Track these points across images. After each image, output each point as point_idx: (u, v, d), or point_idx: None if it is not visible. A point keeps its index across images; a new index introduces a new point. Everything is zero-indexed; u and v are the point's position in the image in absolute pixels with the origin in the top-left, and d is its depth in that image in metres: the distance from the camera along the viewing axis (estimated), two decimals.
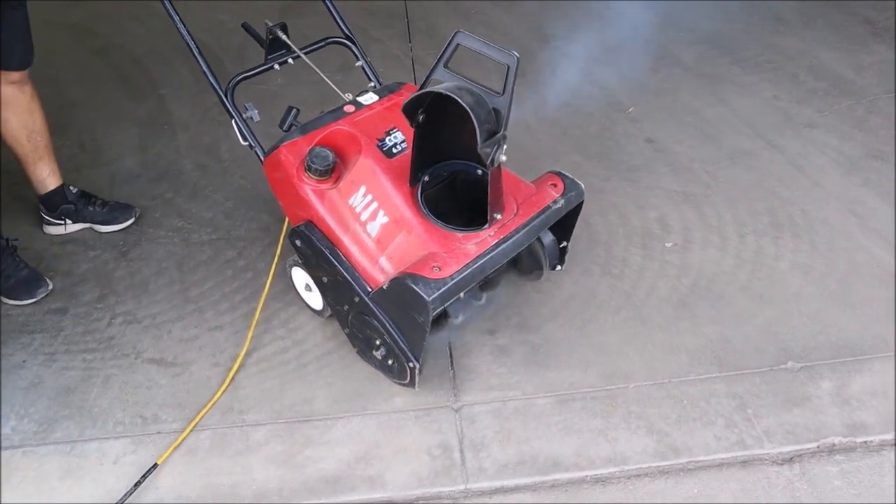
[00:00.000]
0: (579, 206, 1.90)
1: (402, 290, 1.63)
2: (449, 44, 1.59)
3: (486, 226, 1.74)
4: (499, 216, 1.76)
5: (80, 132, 2.84)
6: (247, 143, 1.97)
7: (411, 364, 1.75)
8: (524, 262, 2.08)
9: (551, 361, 1.98)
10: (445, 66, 1.60)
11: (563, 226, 1.96)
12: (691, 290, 2.16)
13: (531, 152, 2.67)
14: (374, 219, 1.75)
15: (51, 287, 2.19)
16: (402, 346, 1.74)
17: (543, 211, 1.81)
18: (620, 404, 1.88)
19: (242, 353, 1.99)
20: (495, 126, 1.56)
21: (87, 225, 2.40)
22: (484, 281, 2.01)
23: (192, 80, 3.07)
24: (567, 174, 1.89)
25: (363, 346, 1.89)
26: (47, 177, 2.32)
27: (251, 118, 1.95)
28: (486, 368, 1.98)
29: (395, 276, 1.65)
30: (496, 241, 1.74)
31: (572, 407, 1.88)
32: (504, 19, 3.45)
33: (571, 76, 3.07)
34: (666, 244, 2.31)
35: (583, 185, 1.89)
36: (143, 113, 2.96)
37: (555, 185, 1.86)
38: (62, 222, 2.37)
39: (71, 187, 2.37)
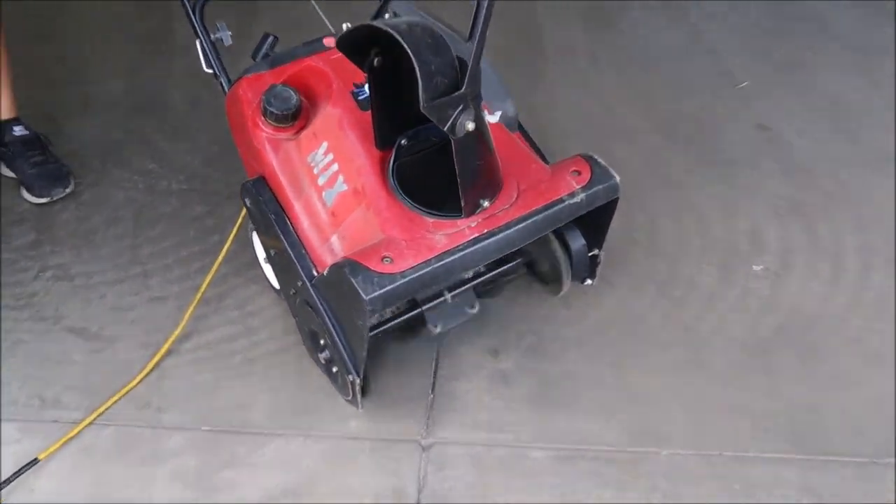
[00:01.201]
0: (612, 205, 1.67)
1: (340, 281, 1.47)
2: None
3: (463, 214, 1.53)
4: (486, 203, 1.54)
5: (67, 43, 2.78)
6: (210, 71, 1.82)
7: (351, 378, 1.58)
8: (542, 270, 1.87)
9: (565, 402, 1.75)
10: None
11: (594, 229, 1.74)
12: (777, 334, 1.87)
13: (599, 126, 2.43)
14: (332, 185, 1.58)
15: None
16: (344, 353, 1.57)
17: (553, 205, 1.58)
18: (644, 475, 1.62)
19: (176, 333, 1.85)
20: (455, 80, 1.33)
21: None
22: (484, 283, 1.81)
23: None
24: (600, 161, 1.65)
25: (310, 344, 1.74)
26: None
27: (221, 40, 1.80)
28: (476, 398, 1.76)
29: (337, 261, 1.48)
30: (475, 235, 1.53)
31: (578, 468, 1.64)
32: None
33: (674, 33, 2.77)
34: (754, 267, 2.01)
35: (618, 178, 1.64)
36: (144, 30, 2.87)
37: (578, 173, 1.62)
38: None
39: (17, 128, 2.23)
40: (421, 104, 1.31)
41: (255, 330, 1.90)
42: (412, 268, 1.46)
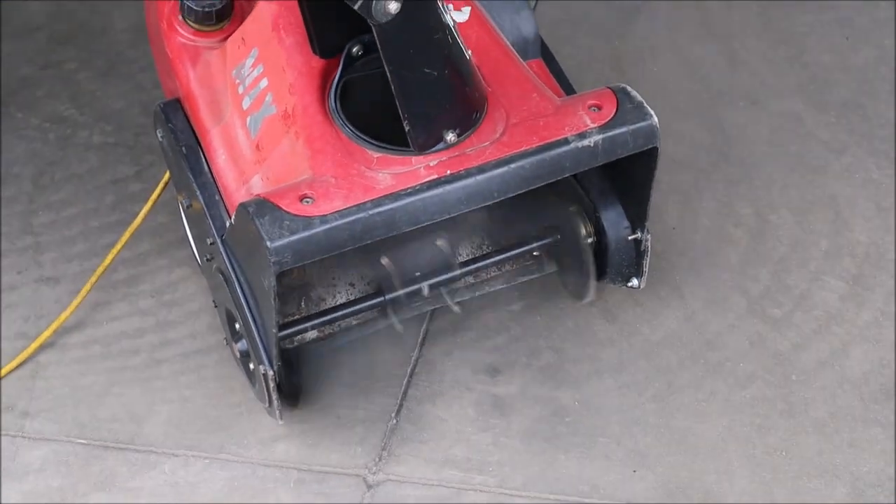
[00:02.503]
0: (649, 159, 1.93)
1: (245, 228, 1.79)
2: None
3: (413, 147, 1.83)
4: (451, 137, 1.84)
5: None
6: None
7: (263, 369, 1.89)
8: (560, 259, 2.17)
9: (578, 440, 2.04)
10: None
11: (633, 198, 2.02)
12: None
13: (717, 85, 2.73)
14: (259, 107, 1.92)
15: None
16: (254, 333, 1.89)
17: (552, 146, 1.85)
18: None
19: (62, 319, 2.25)
20: None
21: None
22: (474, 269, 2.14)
23: None
24: (632, 93, 1.92)
25: (228, 334, 2.08)
26: None
27: None
28: (455, 427, 2.08)
29: (244, 201, 1.81)
30: (433, 177, 1.82)
31: None
32: None
33: None
34: None
35: (655, 119, 1.90)
36: None
37: (598, 108, 1.90)
38: None
39: None
40: None
41: (171, 324, 2.29)
42: (338, 212, 1.76)
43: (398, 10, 1.67)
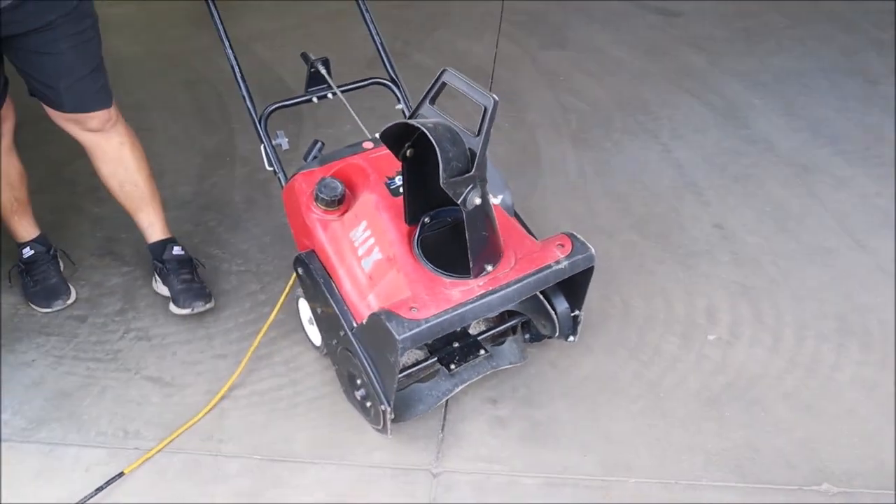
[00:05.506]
0: (589, 272, 1.94)
1: (377, 327, 1.74)
2: (436, 81, 1.72)
3: (472, 276, 1.81)
4: (490, 268, 1.84)
5: (148, 157, 3.14)
6: (271, 169, 2.15)
7: (383, 407, 1.82)
8: (534, 328, 2.13)
9: (550, 441, 1.99)
10: (432, 102, 1.73)
11: (576, 293, 2.00)
12: (725, 389, 2.11)
13: (585, 225, 2.71)
14: (370, 254, 1.88)
15: (71, 300, 2.40)
16: (377, 387, 1.82)
17: (542, 270, 1.87)
18: (615, 498, 1.85)
19: (231, 381, 2.12)
20: (467, 165, 1.65)
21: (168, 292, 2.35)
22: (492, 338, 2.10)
23: None
24: (579, 237, 1.95)
25: (347, 386, 1.99)
26: (146, 227, 2.36)
27: (280, 145, 2.15)
28: (477, 437, 2.01)
29: (374, 311, 1.76)
30: (483, 291, 1.82)
31: (561, 493, 1.87)
32: (594, 90, 3.54)
33: (648, 150, 3.10)
34: (708, 336, 2.27)
35: (593, 250, 1.92)
36: (211, 144, 3.25)
37: (562, 246, 1.92)
38: (156, 279, 2.42)
39: (176, 248, 2.36)
40: (441, 181, 1.64)
41: (298, 381, 2.17)
42: (434, 315, 1.76)
43: (480, 202, 1.71)
